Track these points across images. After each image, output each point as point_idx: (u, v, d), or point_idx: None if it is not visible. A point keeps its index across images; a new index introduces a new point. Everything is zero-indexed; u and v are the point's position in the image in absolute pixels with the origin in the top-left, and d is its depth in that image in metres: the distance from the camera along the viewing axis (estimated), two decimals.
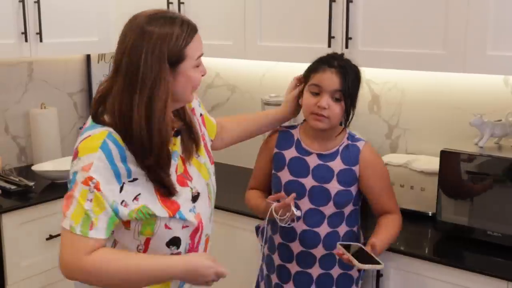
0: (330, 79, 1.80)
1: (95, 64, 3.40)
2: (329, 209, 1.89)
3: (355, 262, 1.71)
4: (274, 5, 2.56)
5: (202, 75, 1.56)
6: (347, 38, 2.33)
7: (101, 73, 3.41)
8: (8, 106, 3.07)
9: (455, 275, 1.95)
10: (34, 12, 2.72)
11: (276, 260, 1.98)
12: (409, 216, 2.34)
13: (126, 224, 1.49)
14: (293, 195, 1.79)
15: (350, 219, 1.95)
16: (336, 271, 1.93)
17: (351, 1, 2.30)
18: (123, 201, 1.44)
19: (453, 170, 2.11)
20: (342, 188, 1.89)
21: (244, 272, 2.34)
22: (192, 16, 2.80)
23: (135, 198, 1.46)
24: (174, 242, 1.54)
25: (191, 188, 1.58)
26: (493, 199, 2.04)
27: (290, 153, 1.94)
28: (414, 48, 2.20)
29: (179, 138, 1.59)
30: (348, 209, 1.93)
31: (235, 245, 2.53)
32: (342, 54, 1.91)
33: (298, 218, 1.87)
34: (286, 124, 2.04)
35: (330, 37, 2.37)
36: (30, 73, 3.14)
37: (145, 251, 1.52)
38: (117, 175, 1.43)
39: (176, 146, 1.58)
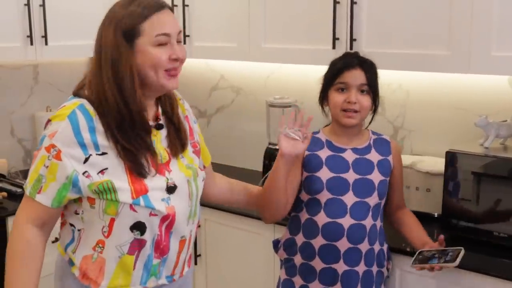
0: (355, 75, 1.87)
1: None
2: (373, 200, 1.91)
3: (449, 265, 1.80)
4: (278, 7, 2.56)
5: (174, 59, 1.52)
6: (352, 40, 2.33)
7: None
8: (14, 109, 3.08)
9: (461, 277, 1.94)
10: (40, 15, 2.73)
11: (318, 263, 1.91)
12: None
13: (91, 201, 1.49)
14: (311, 117, 1.79)
15: (379, 212, 1.98)
16: (374, 268, 1.94)
17: (355, 3, 2.30)
18: (85, 171, 1.45)
19: (459, 171, 2.11)
20: (383, 178, 1.94)
21: (259, 275, 2.34)
22: (197, 19, 2.84)
23: (101, 171, 1.46)
24: (138, 226, 1.50)
25: (167, 179, 1.55)
26: (499, 200, 2.04)
27: (324, 153, 1.94)
28: (419, 49, 2.20)
29: (161, 132, 1.59)
30: (382, 201, 1.97)
31: (248, 248, 2.54)
32: (357, 52, 1.97)
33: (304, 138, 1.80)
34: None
35: (335, 39, 2.37)
36: (35, 76, 3.15)
37: (109, 234, 1.51)
38: (82, 146, 1.44)
39: (156, 137, 1.57)
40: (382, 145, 1.99)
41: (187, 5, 2.84)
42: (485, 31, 2.04)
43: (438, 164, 2.29)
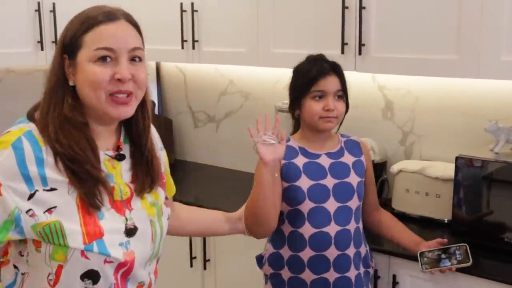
0: (331, 82, 1.87)
1: None
2: (354, 203, 1.92)
3: (465, 265, 1.84)
4: (287, 12, 2.56)
5: (117, 78, 1.27)
6: (360, 45, 2.33)
7: None
8: (24, 114, 3.09)
9: (472, 283, 1.93)
10: (50, 21, 2.75)
11: (308, 275, 1.88)
12: (425, 223, 2.33)
13: (36, 243, 1.26)
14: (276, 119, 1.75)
15: (360, 214, 1.98)
16: (361, 269, 1.95)
17: (364, 8, 2.30)
18: (29, 209, 1.22)
19: (469, 176, 2.10)
20: (360, 179, 1.94)
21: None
22: (206, 24, 2.84)
23: (48, 210, 1.23)
24: (91, 275, 1.27)
25: (126, 219, 1.33)
26: (509, 205, 2.02)
27: (300, 160, 1.92)
28: (428, 54, 2.19)
29: (122, 164, 1.36)
30: (361, 203, 1.97)
31: (257, 253, 2.54)
32: (322, 54, 1.95)
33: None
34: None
35: (343, 44, 2.37)
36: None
37: (55, 283, 1.27)
38: (27, 179, 1.22)
39: (115, 170, 1.35)
40: (353, 146, 2.00)
41: (196, 10, 2.85)
42: (495, 36, 2.03)
43: (448, 170, 2.28)
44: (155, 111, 3.43)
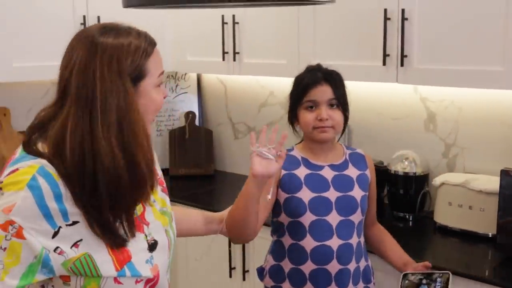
0: (322, 91, 1.84)
1: None
2: (357, 217, 1.88)
3: None
4: (328, 23, 2.56)
5: (164, 97, 1.33)
6: (402, 56, 2.31)
7: None
8: None
9: None
10: None
11: None
12: (468, 237, 2.28)
13: (65, 278, 1.22)
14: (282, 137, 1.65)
15: (362, 228, 1.94)
16: (360, 285, 1.91)
17: (406, 19, 2.28)
18: (57, 247, 1.17)
19: None
20: (363, 193, 1.90)
21: None
22: (247, 36, 2.87)
23: (75, 244, 1.19)
24: None
25: (146, 235, 1.31)
26: None
27: (302, 172, 1.88)
28: (472, 65, 2.16)
29: None
30: (363, 217, 1.93)
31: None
32: (319, 64, 1.93)
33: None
34: None
35: (385, 55, 2.35)
36: None
37: None
38: (49, 218, 1.16)
39: None
40: (358, 159, 1.95)
41: (237, 22, 2.87)
42: None
43: (492, 183, 2.24)
44: (196, 122, 3.46)
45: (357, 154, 1.97)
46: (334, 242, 1.83)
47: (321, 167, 1.89)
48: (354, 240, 1.86)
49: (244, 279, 2.69)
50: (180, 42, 3.16)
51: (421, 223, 2.51)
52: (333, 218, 1.84)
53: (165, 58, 3.17)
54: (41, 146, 1.22)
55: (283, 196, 1.86)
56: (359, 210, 1.87)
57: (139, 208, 1.31)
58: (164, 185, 1.48)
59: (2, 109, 2.96)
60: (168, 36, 3.16)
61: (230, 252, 2.71)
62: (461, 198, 2.31)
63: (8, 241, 1.14)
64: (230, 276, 2.74)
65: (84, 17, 2.80)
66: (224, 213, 1.77)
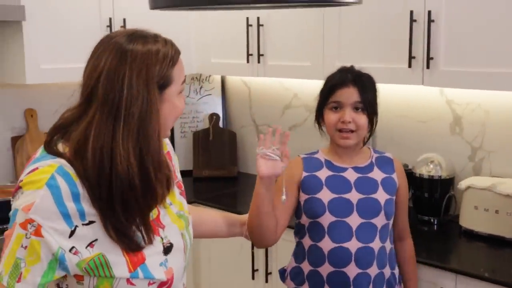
0: (348, 93, 1.80)
1: None
2: (380, 221, 1.82)
3: None
4: (353, 25, 2.55)
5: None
6: (428, 58, 2.29)
7: None
8: None
9: None
10: None
11: None
12: (494, 242, 2.25)
13: (79, 277, 1.23)
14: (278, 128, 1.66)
15: (388, 233, 1.88)
16: None
17: (433, 21, 2.26)
18: (73, 247, 1.19)
19: None
20: (389, 196, 1.85)
21: None
22: (271, 38, 2.87)
23: (90, 244, 1.21)
24: None
25: (162, 238, 1.32)
26: None
27: (323, 173, 1.86)
28: (499, 67, 2.13)
29: None
30: (390, 222, 1.87)
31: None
32: (352, 66, 1.89)
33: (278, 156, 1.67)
34: (304, 153, 1.96)
35: (411, 57, 2.33)
36: None
37: None
38: (66, 217, 1.18)
39: None
40: (385, 163, 1.91)
41: (262, 25, 2.87)
42: None
43: None
44: (220, 124, 3.47)
45: (385, 157, 1.93)
46: (353, 245, 1.79)
47: (344, 169, 1.87)
48: (376, 245, 1.81)
49: (266, 281, 2.69)
50: (205, 44, 3.18)
51: (446, 227, 2.48)
52: (354, 220, 1.80)
53: (190, 60, 3.22)
54: (61, 147, 1.24)
55: (303, 197, 1.85)
56: (382, 213, 1.82)
57: (154, 212, 1.31)
58: (183, 188, 1.48)
59: (30, 111, 3.00)
60: (192, 38, 3.18)
61: (253, 254, 2.71)
62: (488, 202, 2.28)
63: (28, 239, 1.16)
64: (253, 278, 2.74)
65: (110, 19, 2.83)
66: (246, 216, 1.78)
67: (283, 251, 2.61)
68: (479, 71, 2.19)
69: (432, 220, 2.51)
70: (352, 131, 1.80)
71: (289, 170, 1.80)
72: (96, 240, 1.21)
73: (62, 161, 1.20)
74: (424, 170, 2.50)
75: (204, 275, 3.01)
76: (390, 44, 2.43)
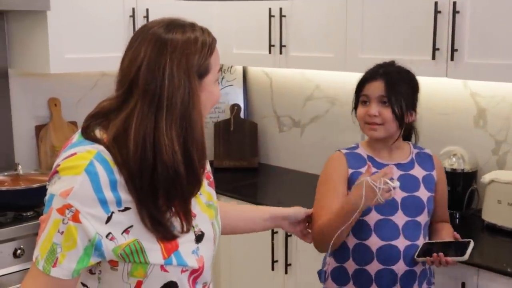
0: (375, 87, 1.83)
1: None
2: (423, 218, 1.85)
3: (458, 258, 1.75)
4: (376, 16, 2.53)
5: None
6: (453, 50, 2.26)
7: None
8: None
9: None
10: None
11: None
12: None
13: (113, 263, 1.24)
14: (390, 166, 1.68)
15: (427, 228, 1.91)
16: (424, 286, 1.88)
17: (458, 12, 2.23)
18: (109, 233, 1.20)
19: None
20: (430, 194, 1.87)
21: None
22: (294, 29, 2.86)
23: (125, 231, 1.22)
24: (169, 286, 1.28)
25: (193, 227, 1.32)
26: None
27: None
28: None
29: None
30: (429, 218, 1.89)
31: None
32: (392, 61, 1.91)
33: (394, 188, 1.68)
34: (344, 147, 1.96)
35: (435, 49, 2.31)
36: None
37: None
38: (104, 203, 1.19)
39: None
40: (425, 159, 1.92)
41: (284, 16, 2.86)
42: None
43: None
44: (241, 114, 3.47)
45: (425, 154, 1.94)
46: (401, 243, 1.80)
47: (386, 166, 1.81)
48: (420, 242, 1.82)
49: (286, 272, 2.70)
50: (227, 35, 3.17)
51: (468, 220, 2.46)
52: (399, 218, 1.81)
53: None
54: (99, 133, 1.24)
55: (348, 193, 1.83)
56: (425, 211, 1.84)
57: None
58: (211, 179, 1.49)
59: (53, 100, 3.03)
60: (214, 28, 3.17)
61: (273, 245, 2.71)
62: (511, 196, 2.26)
63: (65, 224, 1.17)
64: (273, 269, 2.74)
65: (133, 9, 2.84)
66: (287, 211, 1.78)
67: (303, 242, 2.61)
68: (504, 63, 2.16)
69: (454, 214, 2.48)
70: (379, 124, 1.82)
71: (334, 165, 1.88)
72: (131, 226, 1.22)
73: (100, 147, 1.21)
74: (447, 163, 2.48)
75: (224, 266, 3.02)
76: (414, 35, 2.40)
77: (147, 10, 2.86)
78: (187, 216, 1.28)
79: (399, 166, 1.86)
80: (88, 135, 1.24)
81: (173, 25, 1.27)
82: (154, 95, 1.20)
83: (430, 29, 2.31)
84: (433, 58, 2.31)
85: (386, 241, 1.80)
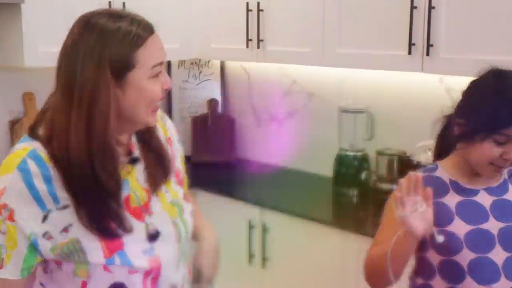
0: None
1: (175, 70, 3.48)
2: None
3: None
4: (353, 11, 2.54)
5: (165, 88, 1.25)
6: (428, 45, 2.28)
7: (180, 79, 3.49)
8: None
9: None
10: None
11: None
12: None
13: (57, 262, 1.22)
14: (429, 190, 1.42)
15: None
16: None
17: (433, 7, 2.25)
18: (46, 232, 1.17)
19: None
20: None
21: (328, 278, 2.33)
22: (271, 23, 2.85)
23: (64, 229, 1.18)
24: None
25: (147, 224, 1.27)
26: None
27: (451, 199, 1.55)
28: (501, 54, 2.12)
29: (137, 167, 1.30)
30: None
31: (313, 252, 2.52)
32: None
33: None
34: (423, 167, 1.69)
35: (411, 44, 2.32)
36: None
37: None
38: (39, 200, 1.15)
39: (130, 175, 1.28)
40: None
41: (262, 10, 2.86)
42: None
43: None
44: (218, 109, 3.46)
45: None
46: (503, 286, 1.50)
47: (475, 192, 1.57)
48: None
49: (263, 266, 2.70)
50: (205, 30, 3.16)
51: None
52: (498, 255, 1.51)
53: (189, 45, 3.19)
54: (41, 130, 1.22)
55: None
56: None
57: (143, 198, 1.28)
58: (181, 177, 1.44)
59: (28, 94, 2.99)
60: (192, 23, 3.16)
61: (250, 239, 2.71)
62: None
63: (4, 224, 1.16)
64: (250, 263, 2.74)
65: (109, 3, 2.81)
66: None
67: (281, 236, 2.62)
68: (479, 58, 2.17)
69: None
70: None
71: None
72: (70, 225, 1.18)
73: (37, 145, 1.19)
74: (423, 157, 2.50)
75: None
76: (390, 30, 2.41)
77: (124, 3, 2.83)
78: (118, 217, 1.21)
79: (489, 190, 1.58)
80: (31, 132, 1.22)
81: (104, 12, 1.21)
82: (69, 87, 1.16)
83: (406, 24, 2.33)
84: (409, 53, 2.33)
85: (484, 285, 1.50)
